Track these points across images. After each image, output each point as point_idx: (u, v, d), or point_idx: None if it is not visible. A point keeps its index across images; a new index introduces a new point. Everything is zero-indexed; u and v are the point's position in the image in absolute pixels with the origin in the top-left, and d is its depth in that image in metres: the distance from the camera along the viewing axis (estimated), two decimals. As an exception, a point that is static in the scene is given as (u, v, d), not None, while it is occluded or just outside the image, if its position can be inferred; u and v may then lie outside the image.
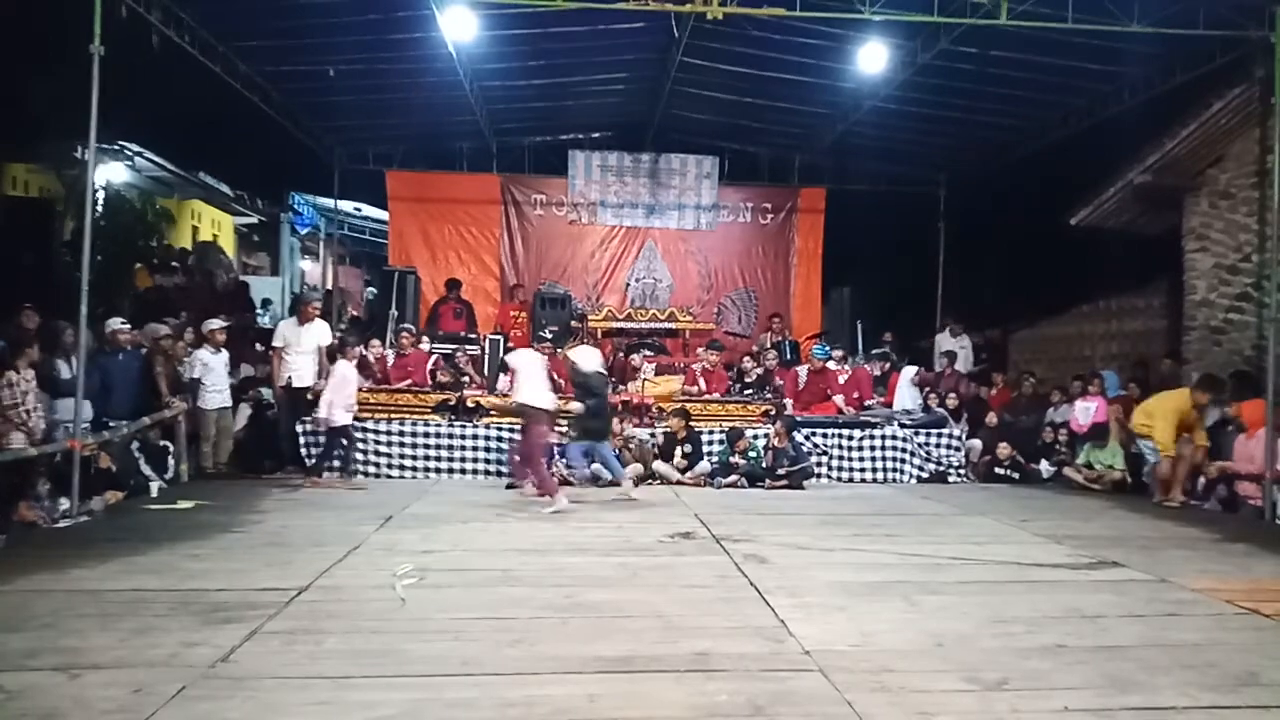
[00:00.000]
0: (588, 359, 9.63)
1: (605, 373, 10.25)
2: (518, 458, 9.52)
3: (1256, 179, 10.42)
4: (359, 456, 10.49)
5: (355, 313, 15.45)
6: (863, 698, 3.72)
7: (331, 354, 10.40)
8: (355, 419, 10.24)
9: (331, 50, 11.64)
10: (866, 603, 5.24)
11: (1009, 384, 13.21)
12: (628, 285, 16.27)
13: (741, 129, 15.65)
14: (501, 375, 11.07)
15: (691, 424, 10.82)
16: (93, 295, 8.13)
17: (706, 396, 11.85)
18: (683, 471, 10.52)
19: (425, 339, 12.78)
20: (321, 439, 10.07)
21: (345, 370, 9.99)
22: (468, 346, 12.78)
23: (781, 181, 16.68)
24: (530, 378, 9.07)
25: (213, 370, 10.22)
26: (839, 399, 12.09)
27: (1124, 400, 11.24)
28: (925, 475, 11.32)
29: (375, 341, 12.23)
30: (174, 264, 16.51)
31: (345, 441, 10.04)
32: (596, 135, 16.31)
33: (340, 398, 9.78)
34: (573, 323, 13.85)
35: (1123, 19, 9.43)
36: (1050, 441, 11.49)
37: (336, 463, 10.04)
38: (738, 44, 11.74)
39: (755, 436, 10.77)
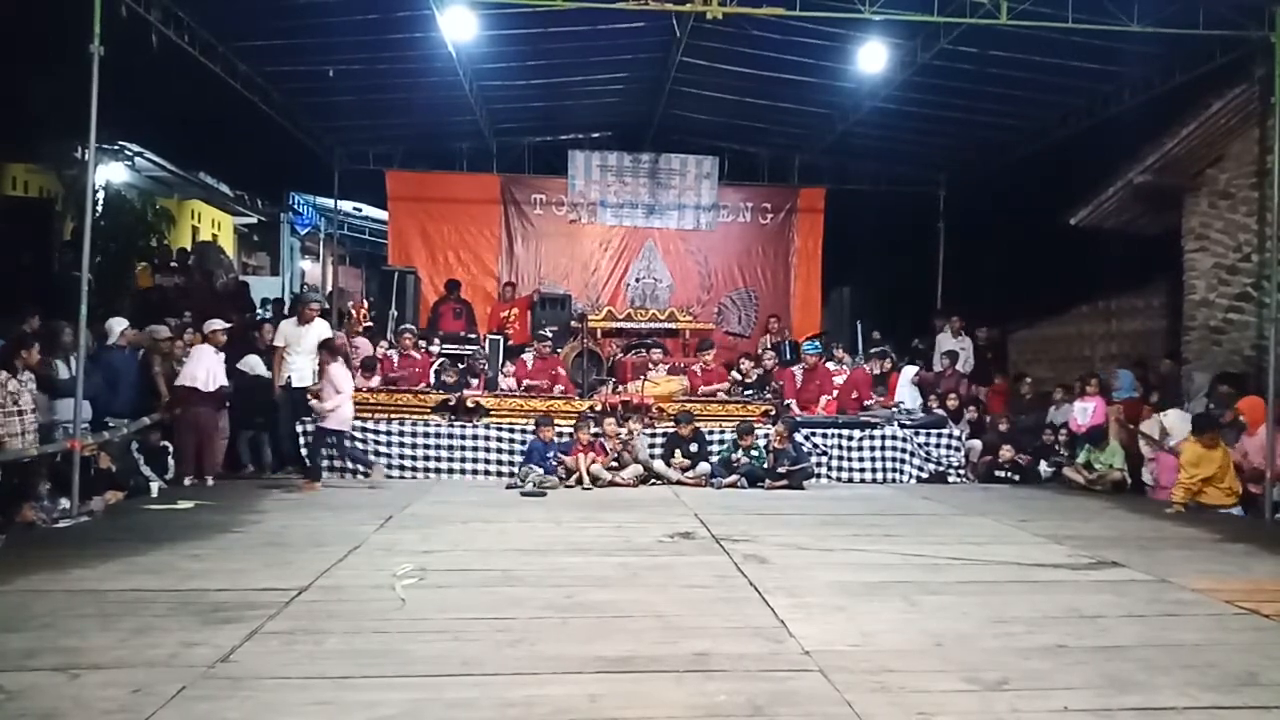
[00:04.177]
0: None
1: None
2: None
3: (1256, 179, 10.40)
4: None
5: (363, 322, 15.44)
6: (862, 698, 3.72)
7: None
8: (356, 418, 10.25)
9: (331, 50, 11.63)
10: (866, 603, 5.24)
11: (1010, 384, 13.19)
12: (628, 285, 16.27)
13: (741, 129, 15.64)
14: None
15: (698, 426, 10.84)
16: (93, 295, 8.13)
17: (708, 396, 11.85)
18: (683, 471, 10.52)
19: (436, 342, 12.77)
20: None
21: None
22: (468, 347, 12.77)
23: (781, 181, 16.68)
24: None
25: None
26: (826, 398, 12.07)
27: (1127, 402, 11.22)
28: (925, 475, 11.32)
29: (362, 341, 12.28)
30: (174, 264, 16.48)
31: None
32: (596, 135, 16.30)
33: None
34: (572, 323, 13.84)
35: (1122, 19, 9.42)
36: (1050, 442, 11.49)
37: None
38: (738, 44, 11.74)
39: (756, 436, 10.77)
